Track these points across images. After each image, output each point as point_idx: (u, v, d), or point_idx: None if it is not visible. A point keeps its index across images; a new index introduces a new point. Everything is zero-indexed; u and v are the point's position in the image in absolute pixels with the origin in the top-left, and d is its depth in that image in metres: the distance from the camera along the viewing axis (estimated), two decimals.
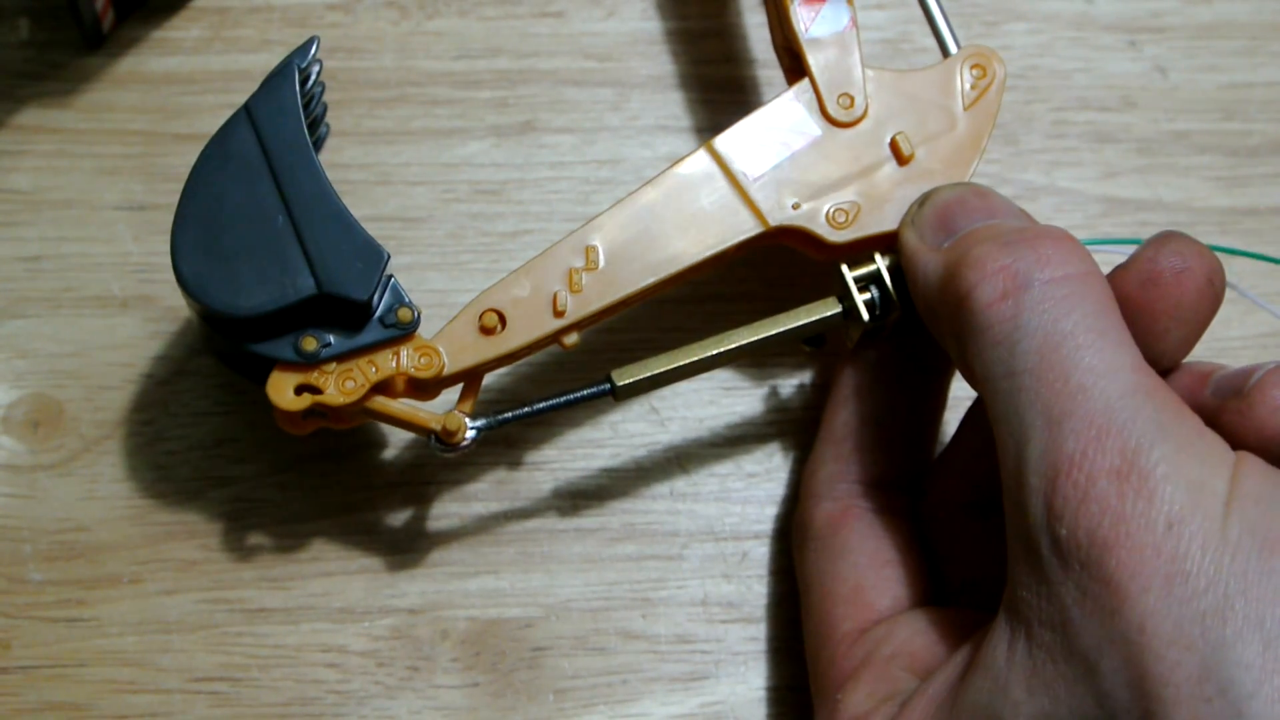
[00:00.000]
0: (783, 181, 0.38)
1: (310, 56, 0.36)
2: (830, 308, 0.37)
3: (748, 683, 0.39)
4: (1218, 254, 0.37)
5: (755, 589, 0.39)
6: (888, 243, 0.37)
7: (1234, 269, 0.42)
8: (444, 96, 0.44)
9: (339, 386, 0.35)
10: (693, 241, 0.37)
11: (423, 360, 0.36)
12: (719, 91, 0.44)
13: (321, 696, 0.38)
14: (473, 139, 0.43)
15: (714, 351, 0.37)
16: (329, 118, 0.39)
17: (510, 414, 0.36)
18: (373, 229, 0.41)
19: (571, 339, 0.36)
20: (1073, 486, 0.29)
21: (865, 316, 0.37)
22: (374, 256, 0.35)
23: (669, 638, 0.39)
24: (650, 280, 0.37)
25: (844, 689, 0.34)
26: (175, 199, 0.41)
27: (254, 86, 0.43)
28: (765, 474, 0.41)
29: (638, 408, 0.41)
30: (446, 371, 0.36)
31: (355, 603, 0.38)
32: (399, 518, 0.39)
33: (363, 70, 0.44)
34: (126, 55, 0.43)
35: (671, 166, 0.38)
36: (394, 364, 0.35)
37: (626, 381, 0.36)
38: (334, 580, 0.39)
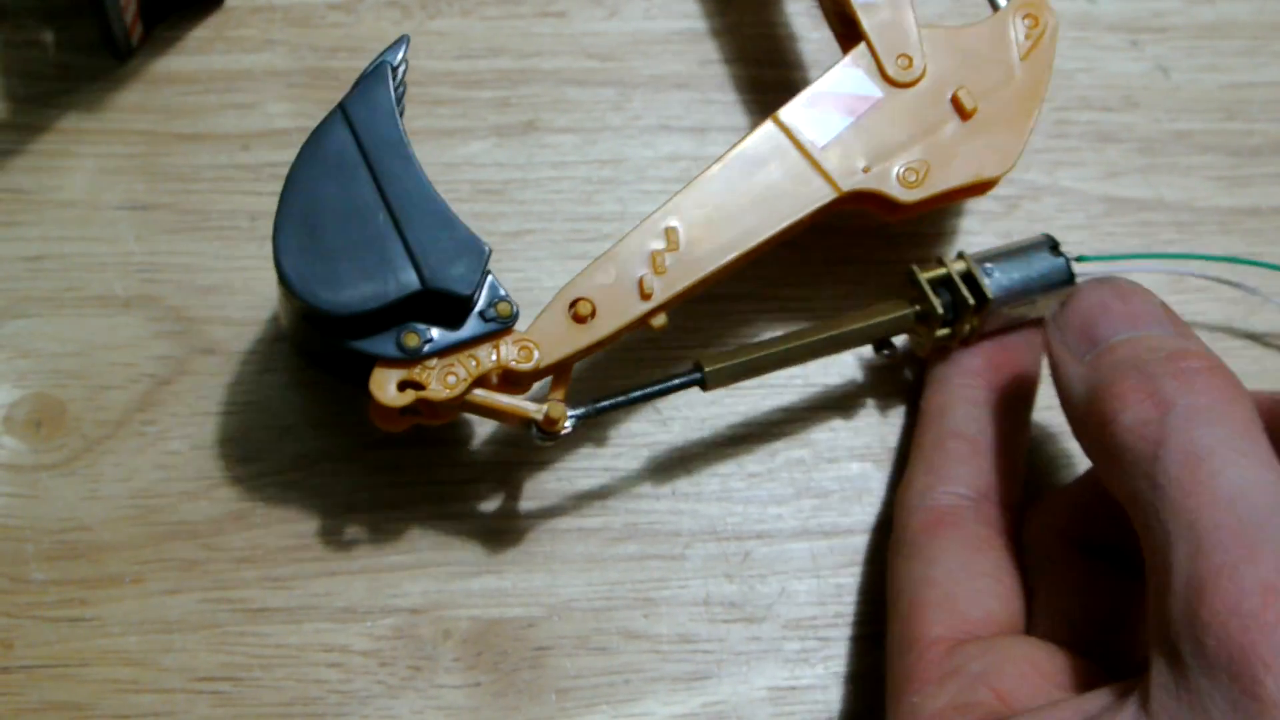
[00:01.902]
0: (850, 146, 0.38)
1: (402, 55, 0.37)
2: (904, 309, 0.38)
3: (750, 682, 0.39)
4: (1225, 264, 0.38)
5: (757, 589, 0.39)
6: (959, 197, 0.38)
7: (1238, 272, 0.43)
8: (446, 96, 0.44)
9: (441, 381, 0.35)
10: (769, 213, 0.37)
11: (521, 353, 0.36)
12: (721, 91, 0.44)
13: (324, 696, 0.38)
14: (475, 138, 0.43)
15: (796, 344, 0.38)
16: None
17: (606, 402, 0.37)
18: None
19: (659, 320, 0.37)
20: (1222, 599, 0.30)
21: (939, 310, 0.38)
22: (476, 251, 0.35)
23: (671, 637, 0.39)
24: (732, 255, 0.37)
25: (922, 693, 0.34)
26: (177, 198, 0.42)
27: (256, 86, 0.43)
28: (767, 474, 0.41)
29: (641, 406, 0.41)
30: (544, 363, 0.36)
31: (357, 602, 0.39)
32: (401, 517, 0.39)
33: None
34: (130, 55, 0.43)
35: (739, 143, 0.38)
36: (494, 357, 0.36)
37: (714, 367, 0.37)
38: (336, 580, 0.39)
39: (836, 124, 0.38)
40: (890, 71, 0.39)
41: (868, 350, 0.41)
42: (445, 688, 0.38)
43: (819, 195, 0.38)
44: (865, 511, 0.40)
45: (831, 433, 0.41)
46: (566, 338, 0.36)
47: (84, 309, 0.40)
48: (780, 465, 0.41)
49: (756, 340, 0.38)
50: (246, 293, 0.41)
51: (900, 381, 0.42)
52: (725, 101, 0.44)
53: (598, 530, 0.40)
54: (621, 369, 0.40)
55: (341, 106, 0.36)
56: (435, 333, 0.36)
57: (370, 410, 0.36)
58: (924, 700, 0.34)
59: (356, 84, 0.36)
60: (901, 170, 0.38)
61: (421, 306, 0.35)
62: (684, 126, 0.44)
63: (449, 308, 0.35)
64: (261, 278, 0.41)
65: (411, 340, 0.35)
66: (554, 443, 0.37)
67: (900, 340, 0.40)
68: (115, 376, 0.40)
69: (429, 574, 0.39)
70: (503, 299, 0.36)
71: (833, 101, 0.38)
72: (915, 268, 0.39)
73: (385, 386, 0.35)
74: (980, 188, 0.39)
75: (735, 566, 0.40)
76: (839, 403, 0.42)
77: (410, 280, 0.35)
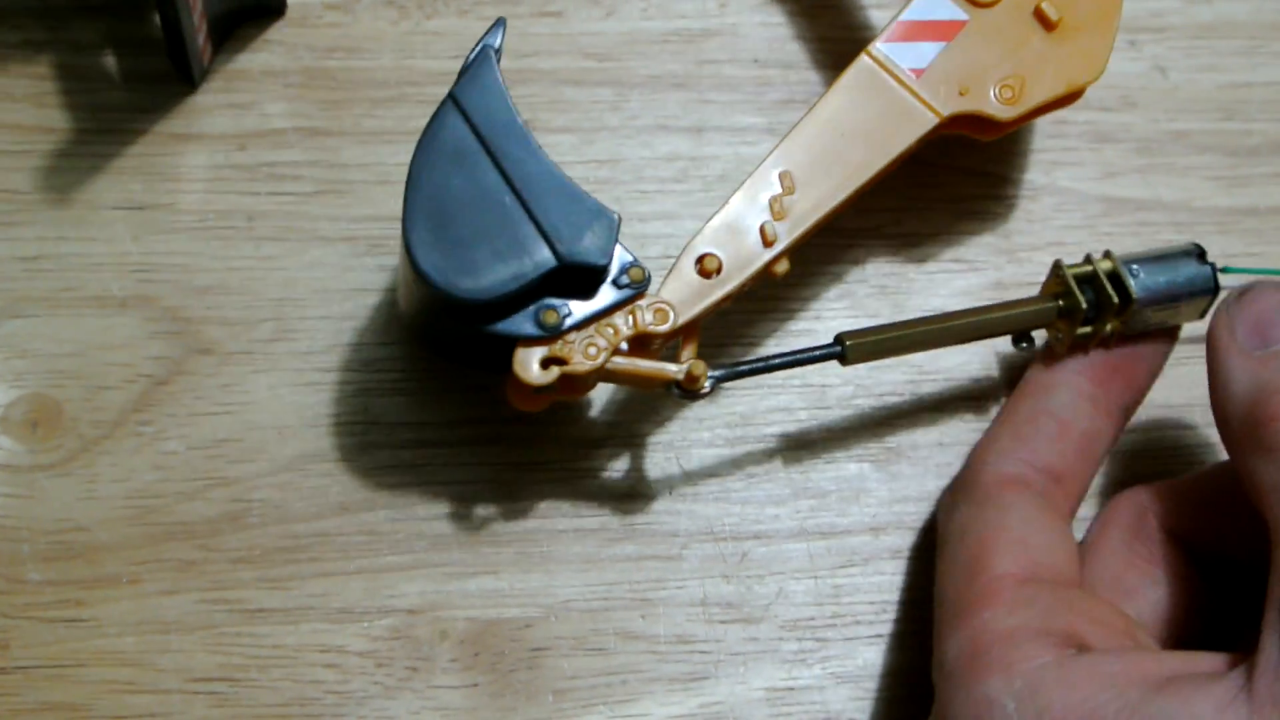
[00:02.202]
0: (946, 71, 0.39)
1: (501, 38, 0.37)
2: (1048, 302, 0.39)
3: (747, 683, 0.39)
4: (1239, 274, 0.39)
5: (755, 589, 0.39)
6: (1053, 108, 0.40)
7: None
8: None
9: (584, 354, 0.36)
10: (877, 146, 0.38)
11: (657, 316, 0.36)
12: (718, 91, 0.44)
13: (320, 697, 0.38)
14: None
15: (936, 327, 0.38)
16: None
17: (745, 366, 0.37)
18: (373, 229, 0.41)
19: (782, 266, 0.37)
20: None
21: (1083, 305, 0.38)
22: (606, 221, 0.35)
23: (668, 638, 0.39)
24: (847, 192, 0.38)
25: (995, 611, 0.34)
26: (174, 198, 0.42)
27: (254, 86, 0.43)
28: (765, 474, 0.41)
29: (638, 406, 0.41)
30: (679, 323, 0.36)
31: (354, 603, 0.38)
32: (398, 517, 0.39)
33: (362, 70, 0.44)
34: (126, 55, 0.43)
35: (838, 80, 0.39)
36: (631, 323, 0.36)
37: (856, 342, 0.37)
38: (333, 580, 0.39)
39: (929, 51, 0.39)
40: None
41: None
42: (442, 688, 0.38)
43: (922, 122, 0.39)
44: (863, 512, 0.40)
45: (829, 433, 0.41)
46: (697, 294, 0.37)
47: (81, 309, 0.40)
48: (777, 466, 0.41)
49: (898, 320, 0.38)
50: (243, 293, 0.41)
51: (898, 383, 0.42)
52: (723, 101, 0.44)
53: (595, 531, 0.40)
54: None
55: (452, 96, 0.36)
56: (572, 306, 0.36)
57: (509, 391, 0.36)
58: (997, 617, 0.34)
59: (462, 72, 0.36)
60: (998, 88, 0.39)
61: (556, 282, 0.35)
62: (681, 126, 0.44)
63: (583, 280, 0.36)
64: (258, 278, 0.41)
65: (551, 317, 0.35)
66: (695, 400, 0.37)
67: (1038, 336, 0.40)
68: (112, 377, 0.40)
69: (426, 574, 0.39)
70: (634, 265, 0.36)
71: (921, 29, 0.39)
72: (1061, 261, 0.39)
73: (529, 366, 0.35)
74: (1072, 97, 0.40)
75: (732, 567, 0.40)
76: (837, 404, 0.41)
77: (546, 257, 0.35)
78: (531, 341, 0.35)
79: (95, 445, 0.39)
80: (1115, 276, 0.38)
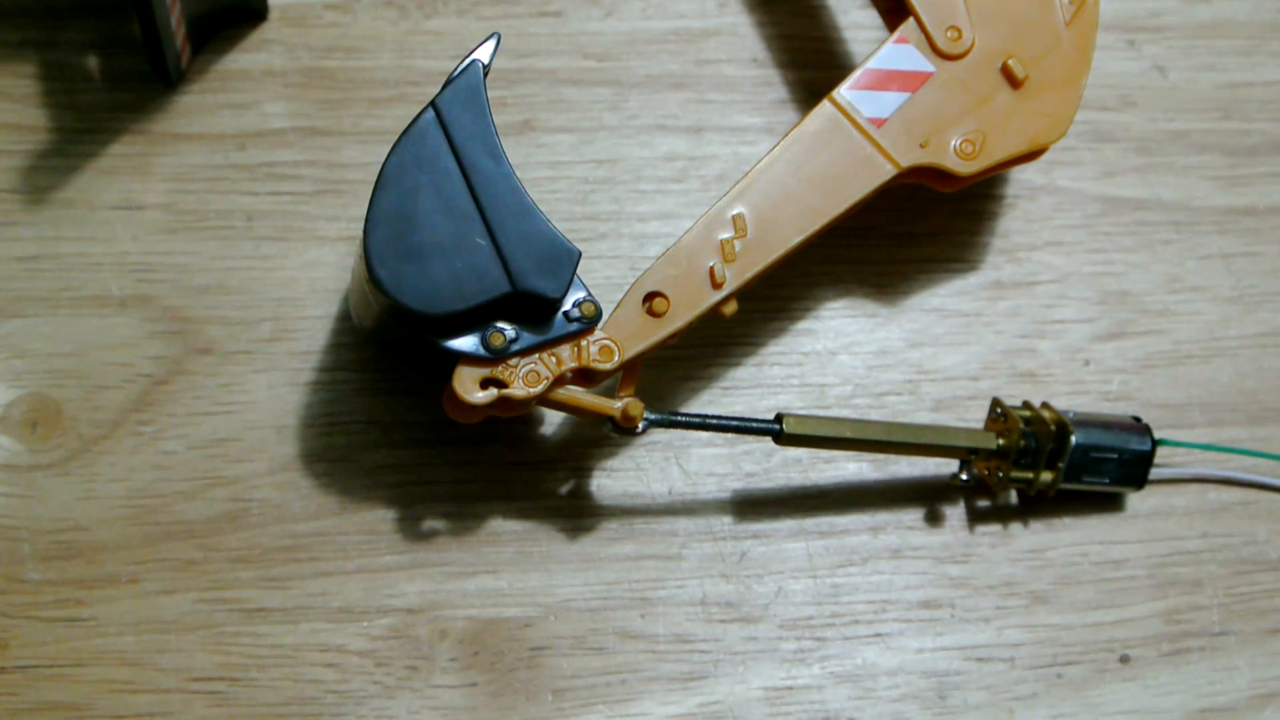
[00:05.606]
0: (908, 122, 0.39)
1: (492, 53, 0.36)
2: (989, 434, 0.39)
3: (746, 682, 0.39)
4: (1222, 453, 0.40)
5: (753, 589, 0.39)
6: (1014, 164, 0.40)
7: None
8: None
9: (525, 380, 0.36)
10: (833, 194, 0.38)
11: (602, 353, 0.36)
12: (717, 91, 0.44)
13: (320, 696, 0.38)
14: None
15: (875, 434, 0.38)
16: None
17: (681, 418, 0.37)
18: None
19: (731, 308, 0.37)
20: None
21: (1020, 442, 0.39)
22: (565, 255, 0.35)
23: (667, 637, 0.39)
24: (800, 238, 0.38)
25: None
26: (173, 198, 0.42)
27: (253, 86, 0.43)
28: (763, 474, 0.41)
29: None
30: (623, 360, 0.36)
31: (354, 602, 0.38)
32: (397, 517, 0.39)
33: (361, 70, 0.44)
34: (124, 55, 0.43)
35: (799, 125, 0.39)
36: (575, 357, 0.36)
37: (794, 426, 0.38)
38: (332, 580, 0.39)
39: (892, 101, 0.39)
40: (940, 45, 0.39)
41: (866, 349, 0.41)
42: (442, 688, 0.38)
43: (880, 173, 0.38)
44: (861, 511, 0.40)
45: None
46: (642, 332, 0.37)
47: (80, 309, 0.40)
48: (776, 465, 0.41)
49: (840, 416, 0.39)
50: (242, 293, 0.41)
51: (896, 382, 0.42)
52: (722, 101, 0.44)
53: (594, 530, 0.40)
54: None
55: (434, 104, 0.36)
56: (521, 332, 0.36)
57: (446, 401, 0.36)
58: None
59: (448, 83, 0.36)
60: (959, 143, 0.39)
61: (508, 307, 0.36)
62: (680, 126, 0.44)
63: (536, 309, 0.36)
64: (257, 277, 0.41)
65: (497, 340, 0.35)
66: (628, 438, 0.38)
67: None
68: (111, 376, 0.40)
69: (425, 574, 0.39)
70: (587, 300, 0.36)
71: (886, 78, 0.39)
72: (999, 399, 0.40)
73: (469, 385, 0.35)
74: (1033, 155, 0.40)
75: (732, 566, 0.40)
76: (835, 402, 0.42)
77: (500, 282, 0.35)
78: (475, 361, 0.36)
79: (95, 445, 0.39)
80: (1059, 423, 0.39)
